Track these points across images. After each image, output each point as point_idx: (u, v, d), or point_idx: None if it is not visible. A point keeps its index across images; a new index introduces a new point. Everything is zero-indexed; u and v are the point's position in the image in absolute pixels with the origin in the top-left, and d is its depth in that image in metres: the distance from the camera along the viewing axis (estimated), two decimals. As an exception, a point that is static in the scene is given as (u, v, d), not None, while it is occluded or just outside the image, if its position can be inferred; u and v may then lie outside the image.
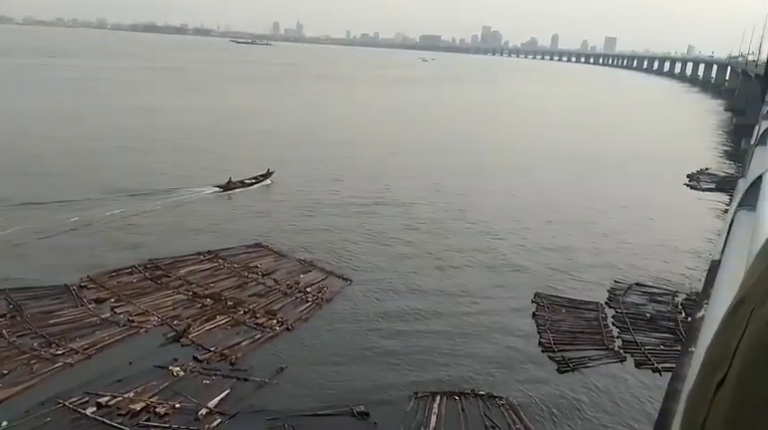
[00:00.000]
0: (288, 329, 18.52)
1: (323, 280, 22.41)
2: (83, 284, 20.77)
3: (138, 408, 13.91)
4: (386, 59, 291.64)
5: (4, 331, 17.21)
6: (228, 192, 34.02)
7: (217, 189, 33.94)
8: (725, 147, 62.57)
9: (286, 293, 21.04)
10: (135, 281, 21.56)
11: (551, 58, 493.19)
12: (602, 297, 22.22)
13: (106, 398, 14.18)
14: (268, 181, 36.50)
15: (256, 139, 51.42)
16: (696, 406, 1.00)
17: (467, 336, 18.90)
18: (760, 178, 4.81)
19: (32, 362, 15.82)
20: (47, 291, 20.10)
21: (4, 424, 13.18)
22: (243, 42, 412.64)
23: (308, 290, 21.33)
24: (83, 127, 51.99)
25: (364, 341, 18.18)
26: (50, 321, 18.13)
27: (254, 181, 35.78)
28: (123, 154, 41.78)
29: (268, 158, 40.36)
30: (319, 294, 21.05)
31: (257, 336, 17.92)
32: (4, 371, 15.22)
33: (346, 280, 22.57)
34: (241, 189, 34.58)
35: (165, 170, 37.74)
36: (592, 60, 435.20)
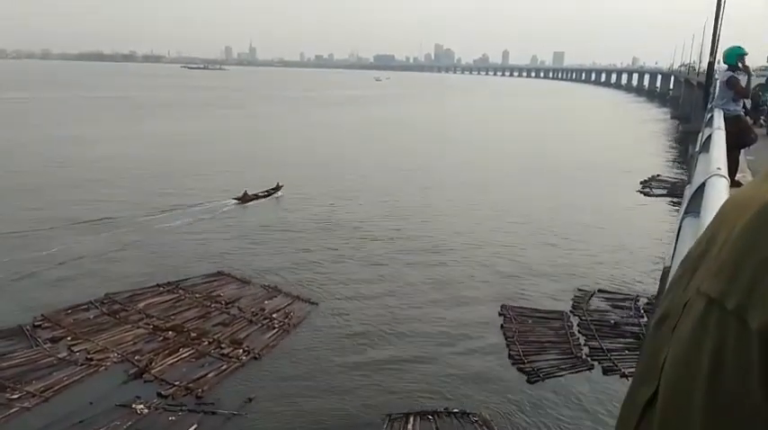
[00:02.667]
0: (255, 358, 18.12)
1: (289, 305, 22.07)
2: (37, 324, 19.85)
3: (100, 452, 13.31)
4: (338, 79, 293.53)
5: (-49, 379, 16.29)
6: (246, 203, 37.48)
7: (235, 201, 37.57)
8: (673, 154, 65.01)
9: (251, 321, 20.61)
10: (92, 317, 20.74)
11: (503, 74, 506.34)
12: (566, 306, 22.57)
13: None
14: (279, 193, 39.38)
15: (208, 165, 50.75)
16: (624, 422, 0.99)
17: (436, 354, 18.85)
18: (703, 185, 4.99)
19: (-17, 411, 14.99)
20: (-2, 334, 19.17)
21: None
22: (195, 68, 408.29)
23: (273, 316, 20.97)
24: (18, 160, 50.22)
25: (333, 366, 17.91)
26: (2, 364, 17.24)
27: (266, 194, 39.05)
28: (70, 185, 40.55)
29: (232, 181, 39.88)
30: (286, 320, 20.71)
31: (223, 367, 17.45)
32: (-47, 422, 14.38)
33: (312, 303, 22.30)
34: (258, 200, 38.17)
35: (120, 198, 36.75)
36: (542, 74, 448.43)
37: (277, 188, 39.78)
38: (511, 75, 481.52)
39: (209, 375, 16.91)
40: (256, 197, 38.60)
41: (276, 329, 20.02)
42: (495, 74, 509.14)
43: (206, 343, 18.86)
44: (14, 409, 15.05)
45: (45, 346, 18.43)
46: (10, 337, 19.00)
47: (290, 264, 26.49)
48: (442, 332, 20.37)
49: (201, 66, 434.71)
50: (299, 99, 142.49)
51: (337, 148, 62.86)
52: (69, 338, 19.00)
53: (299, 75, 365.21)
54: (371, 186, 43.30)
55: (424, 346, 19.29)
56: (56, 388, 16.11)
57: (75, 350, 18.20)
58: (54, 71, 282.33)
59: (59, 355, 17.88)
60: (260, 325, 20.36)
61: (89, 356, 17.80)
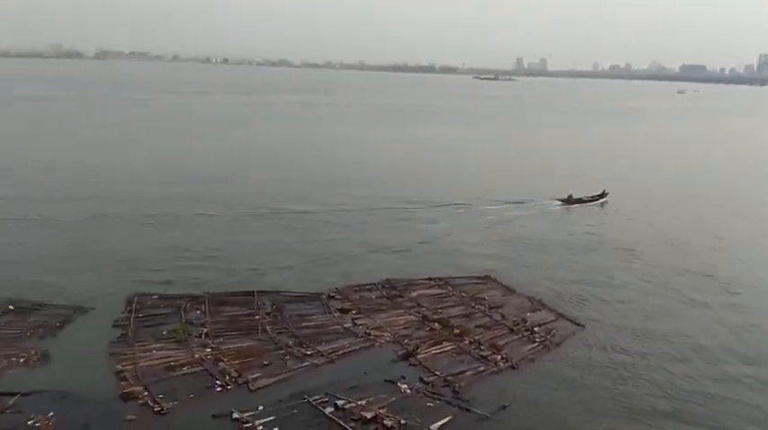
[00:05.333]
0: (512, 367, 18.13)
1: (553, 321, 21.50)
2: (331, 295, 23.20)
3: (369, 417, 14.89)
4: (626, 90, 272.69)
5: (267, 328, 20.04)
6: (570, 206, 39.15)
7: (559, 202, 39.41)
8: None
9: (512, 330, 20.67)
10: (374, 297, 23.33)
11: None
12: None
13: (342, 402, 15.49)
14: (603, 200, 40.32)
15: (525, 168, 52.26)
16: None
17: (718, 393, 16.31)
18: None
19: (286, 358, 18.08)
20: (302, 297, 22.91)
21: (260, 408, 15.22)
22: (485, 78, 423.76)
23: (535, 329, 20.66)
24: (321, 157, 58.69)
25: (593, 393, 16.87)
26: (303, 324, 20.57)
27: (591, 199, 40.11)
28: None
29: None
30: (548, 336, 20.22)
31: (481, 369, 17.88)
32: (265, 363, 17.65)
33: (579, 324, 21.31)
34: (583, 205, 39.44)
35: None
36: None
37: (603, 195, 40.53)
38: None
39: (467, 373, 17.51)
40: (581, 201, 39.77)
41: (537, 343, 19.69)
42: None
43: (467, 341, 19.57)
44: (306, 364, 17.83)
45: (335, 315, 21.41)
46: (311, 302, 22.57)
47: (561, 279, 25.81)
48: (737, 371, 17.48)
49: (492, 77, 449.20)
50: (589, 111, 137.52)
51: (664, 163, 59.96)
52: (354, 312, 21.71)
53: (589, 85, 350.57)
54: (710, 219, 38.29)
55: (704, 384, 16.84)
56: (339, 352, 18.57)
57: (358, 323, 20.72)
58: (365, 79, 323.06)
59: (345, 325, 20.56)
60: (520, 335, 20.28)
61: (368, 331, 20.07)
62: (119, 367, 16.99)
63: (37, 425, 14.20)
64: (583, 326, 21.19)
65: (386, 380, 16.84)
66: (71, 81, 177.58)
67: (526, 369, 18.12)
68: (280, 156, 57.56)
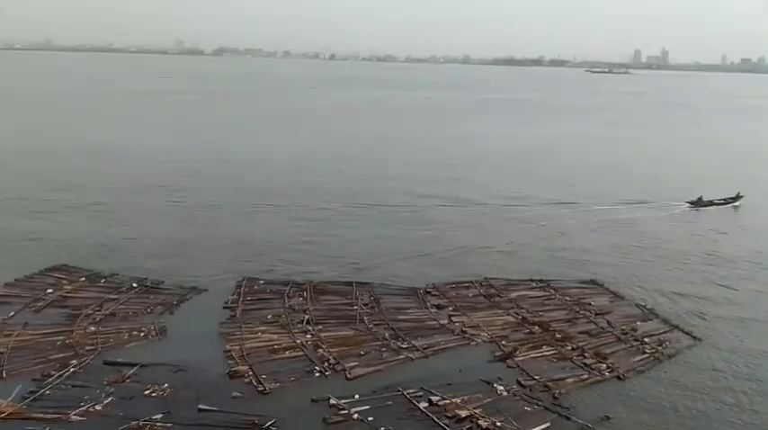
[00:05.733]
0: (618, 377, 17.15)
1: (665, 332, 20.09)
2: (428, 290, 23.16)
3: (463, 415, 14.70)
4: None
5: (365, 318, 20.38)
6: (700, 208, 37.27)
7: (688, 205, 37.60)
8: None
9: (620, 338, 19.55)
10: (471, 295, 23.01)
11: None
12: None
13: (437, 398, 15.41)
14: (737, 203, 38.24)
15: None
16: None
17: None
18: None
19: (382, 349, 18.28)
20: (399, 291, 23.07)
21: (356, 396, 15.50)
22: (598, 71, 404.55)
23: (645, 340, 19.40)
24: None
25: (704, 417, 15.47)
26: (400, 317, 20.70)
27: (723, 202, 38.16)
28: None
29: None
30: (659, 347, 18.92)
31: (583, 376, 17.08)
32: (362, 353, 17.96)
33: (695, 338, 19.76)
34: (714, 208, 37.56)
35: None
36: None
37: (737, 197, 38.18)
38: None
39: (569, 380, 16.78)
40: (711, 204, 37.68)
41: (647, 355, 18.47)
42: None
43: (569, 347, 18.76)
44: (401, 357, 17.92)
45: (431, 311, 21.35)
46: (407, 296, 22.67)
47: (678, 288, 24.11)
48: None
49: (605, 70, 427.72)
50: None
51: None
52: (451, 309, 21.53)
53: (714, 80, 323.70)
54: None
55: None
56: (435, 348, 18.49)
57: (455, 321, 20.51)
58: (470, 74, 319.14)
59: (441, 321, 20.44)
60: (629, 345, 19.13)
61: (464, 329, 19.82)
62: (227, 347, 18.00)
63: (153, 394, 15.36)
64: (699, 340, 19.62)
65: (481, 380, 16.54)
66: (231, 76, 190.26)
67: (633, 381, 17.07)
68: (390, 150, 58.53)
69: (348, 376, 16.60)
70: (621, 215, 35.34)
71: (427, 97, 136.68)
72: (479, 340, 19.13)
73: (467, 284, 23.98)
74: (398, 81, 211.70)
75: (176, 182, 40.69)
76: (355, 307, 21.33)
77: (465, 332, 19.62)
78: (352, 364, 17.17)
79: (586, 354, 18.32)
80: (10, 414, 14.12)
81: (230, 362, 17.14)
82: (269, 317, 20.26)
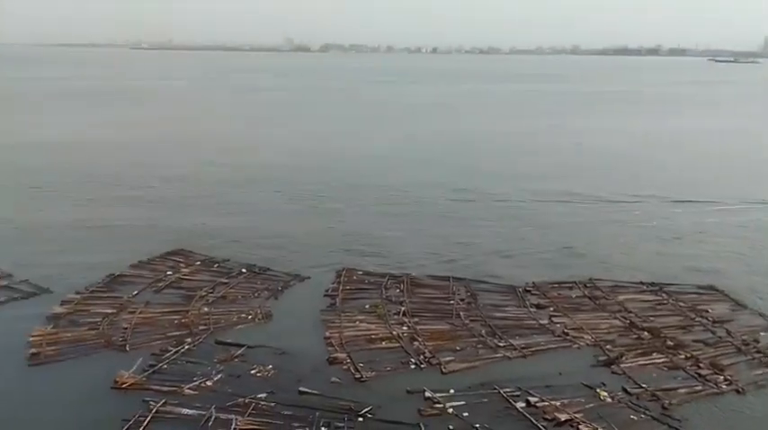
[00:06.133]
0: (737, 391, 15.78)
1: (794, 345, 18.22)
2: (527, 289, 22.56)
3: (563, 419, 14.19)
4: None
5: (461, 313, 20.22)
6: None
7: None
8: None
9: (740, 349, 17.98)
10: (573, 296, 22.12)
11: None
12: None
13: (535, 399, 14.98)
14: None
15: None
16: None
17: None
18: None
19: (479, 346, 18.03)
20: (497, 288, 22.66)
21: (452, 391, 15.42)
22: (723, 61, 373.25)
23: (770, 352, 17.71)
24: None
25: None
26: (497, 314, 20.32)
27: None
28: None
29: None
30: (787, 361, 17.19)
31: (697, 388, 15.87)
32: (457, 348, 17.84)
33: (831, 353, 17.75)
34: None
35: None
36: None
37: None
38: None
39: (681, 390, 15.67)
40: None
41: (772, 368, 16.87)
42: None
43: (682, 356, 17.50)
44: (498, 355, 17.59)
45: (531, 310, 20.77)
46: (505, 293, 22.20)
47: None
48: None
49: (731, 59, 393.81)
50: None
51: None
52: (552, 309, 20.82)
53: None
54: None
55: None
56: (533, 348, 17.96)
57: (556, 322, 19.81)
58: (579, 65, 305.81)
59: (541, 321, 19.82)
60: (750, 357, 17.55)
61: (566, 331, 19.08)
62: (327, 333, 18.58)
63: (258, 374, 16.18)
64: (837, 356, 17.60)
65: (583, 384, 15.85)
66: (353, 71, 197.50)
67: (753, 395, 15.64)
68: (494, 143, 57.69)
69: (443, 370, 16.56)
70: (746, 216, 32.44)
71: (531, 89, 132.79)
72: (582, 343, 18.34)
73: (570, 285, 23.08)
74: (501, 73, 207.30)
75: (284, 174, 42.48)
76: (452, 301, 21.21)
77: (566, 334, 18.90)
78: (447, 359, 17.11)
79: (701, 364, 17.00)
80: (131, 384, 15.44)
81: (329, 348, 17.66)
82: (366, 307, 20.66)
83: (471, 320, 19.80)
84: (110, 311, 19.77)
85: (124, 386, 15.39)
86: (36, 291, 21.39)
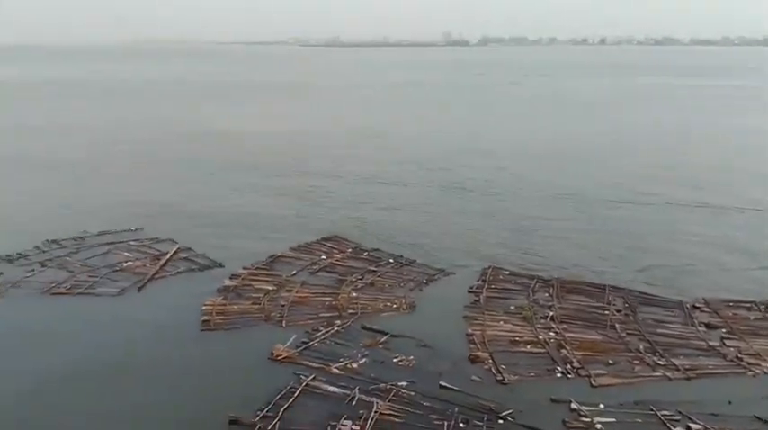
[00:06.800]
0: None
1: None
2: (696, 305, 20.41)
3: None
4: None
5: (617, 325, 18.86)
6: None
7: None
8: None
9: None
10: (752, 318, 19.61)
11: None
12: None
13: (698, 427, 13.56)
14: None
15: None
16: None
17: None
18: None
19: (635, 362, 16.70)
20: (660, 301, 20.78)
21: (601, 406, 14.46)
22: None
23: None
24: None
25: None
26: (658, 330, 18.65)
27: None
28: None
29: None
30: None
31: None
32: (610, 361, 16.68)
33: None
34: None
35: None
36: None
37: None
38: None
39: None
40: None
41: None
42: None
43: None
44: (657, 374, 16.13)
45: (699, 329, 18.76)
46: (670, 309, 20.29)
47: None
48: None
49: None
50: None
51: None
52: (724, 331, 18.64)
53: None
54: None
55: None
56: (699, 371, 16.22)
57: (728, 344, 17.71)
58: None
59: (710, 342, 17.83)
60: None
61: (740, 355, 16.98)
62: (469, 330, 18.42)
63: (401, 363, 16.53)
64: None
65: (756, 417, 14.02)
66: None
67: None
68: (665, 142, 53.26)
69: (593, 383, 15.60)
70: None
71: (711, 85, 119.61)
72: (758, 371, 16.22)
73: (747, 305, 20.50)
74: (680, 67, 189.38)
75: (440, 167, 42.83)
76: (606, 312, 19.88)
77: (741, 359, 16.81)
78: (598, 371, 16.08)
79: None
80: (286, 357, 16.62)
81: (471, 346, 17.49)
82: (512, 307, 20.12)
83: (628, 333, 18.41)
84: (270, 288, 21.45)
85: (279, 358, 16.62)
86: (210, 265, 23.93)
